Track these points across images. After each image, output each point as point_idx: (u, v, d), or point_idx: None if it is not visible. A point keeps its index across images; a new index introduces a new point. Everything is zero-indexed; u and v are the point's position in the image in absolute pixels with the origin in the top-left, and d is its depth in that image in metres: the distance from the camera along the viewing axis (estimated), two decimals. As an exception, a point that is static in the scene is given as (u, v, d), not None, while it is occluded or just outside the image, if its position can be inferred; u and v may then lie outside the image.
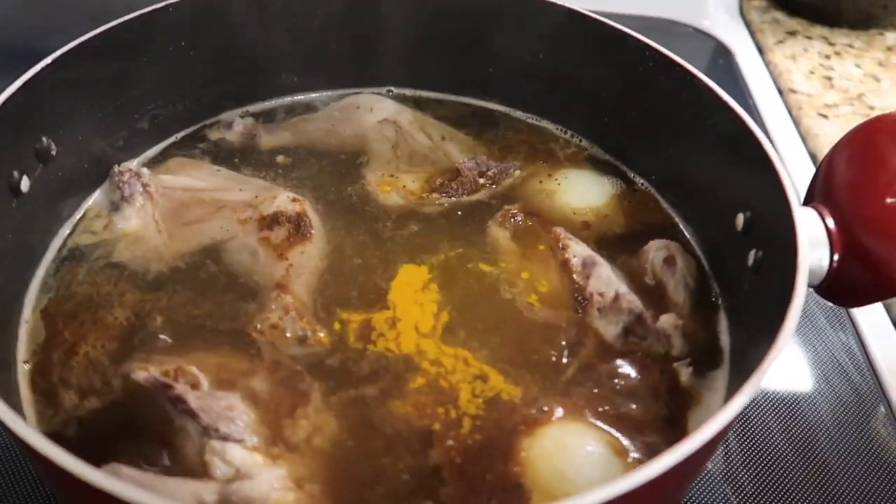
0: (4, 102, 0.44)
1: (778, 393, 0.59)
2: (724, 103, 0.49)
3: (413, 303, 0.50)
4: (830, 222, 0.44)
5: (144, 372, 0.41)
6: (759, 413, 0.58)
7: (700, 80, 0.52)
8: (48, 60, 0.48)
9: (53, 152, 0.50)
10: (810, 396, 0.59)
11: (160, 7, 0.55)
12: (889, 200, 0.43)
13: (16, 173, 0.47)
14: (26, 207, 0.48)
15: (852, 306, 0.61)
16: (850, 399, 0.59)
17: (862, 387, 0.60)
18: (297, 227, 0.54)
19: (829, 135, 0.84)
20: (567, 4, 0.98)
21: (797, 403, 0.59)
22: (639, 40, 0.56)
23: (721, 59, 1.00)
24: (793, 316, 0.36)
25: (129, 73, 0.55)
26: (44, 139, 0.49)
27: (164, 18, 0.55)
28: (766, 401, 0.59)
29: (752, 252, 0.46)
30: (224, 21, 0.59)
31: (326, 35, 0.65)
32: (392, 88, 0.69)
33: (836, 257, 0.43)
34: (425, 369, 0.46)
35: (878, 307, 0.66)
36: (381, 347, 0.47)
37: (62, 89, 0.49)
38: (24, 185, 0.47)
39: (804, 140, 0.86)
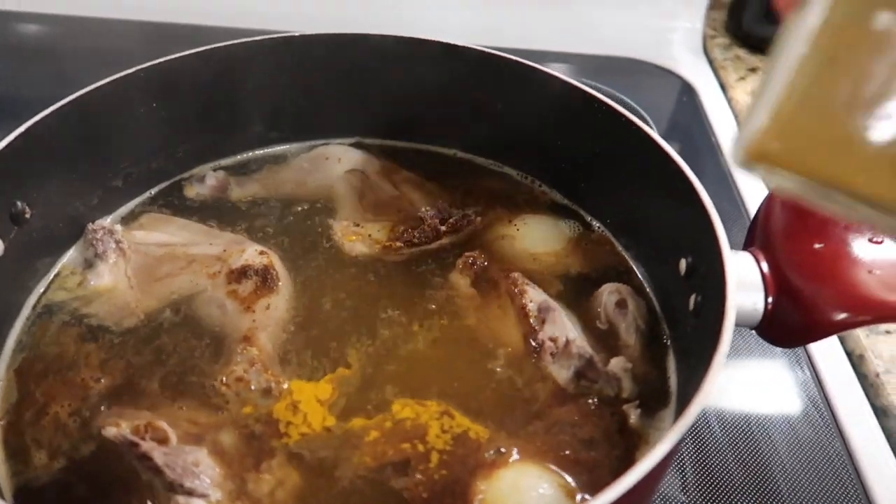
0: (-22, 173, 0.47)
1: (735, 425, 0.61)
2: (665, 153, 0.52)
3: (377, 352, 0.52)
4: (765, 266, 0.47)
5: (114, 428, 0.42)
6: (716, 445, 0.59)
7: (642, 131, 0.55)
8: (20, 130, 0.50)
9: (28, 215, 0.52)
10: (767, 430, 0.61)
11: (131, 72, 0.57)
12: (816, 246, 0.45)
13: (-10, 238, 0.49)
14: (2, 268, 0.50)
15: (789, 347, 0.63)
16: (806, 433, 0.61)
17: (818, 422, 0.62)
18: (264, 280, 0.56)
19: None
20: (544, 49, 1.02)
21: (753, 436, 0.60)
22: (587, 93, 0.59)
23: (685, 97, 1.04)
24: (718, 360, 0.38)
25: (102, 136, 0.57)
26: (18, 203, 0.51)
27: (135, 82, 0.58)
28: (723, 434, 0.60)
29: (693, 296, 0.48)
30: (194, 81, 0.62)
31: (295, 90, 0.67)
32: (360, 139, 0.72)
33: (770, 300, 0.46)
34: (390, 417, 0.48)
35: (833, 342, 0.68)
36: (343, 401, 0.49)
37: (35, 156, 0.52)
38: (0, 248, 0.50)
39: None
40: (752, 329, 0.47)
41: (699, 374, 0.40)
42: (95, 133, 0.57)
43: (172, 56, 0.59)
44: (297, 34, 0.64)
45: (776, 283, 0.46)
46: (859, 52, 0.21)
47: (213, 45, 0.61)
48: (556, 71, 0.61)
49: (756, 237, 0.50)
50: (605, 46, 1.10)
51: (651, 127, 0.55)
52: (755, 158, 0.24)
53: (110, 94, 0.56)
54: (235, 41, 0.62)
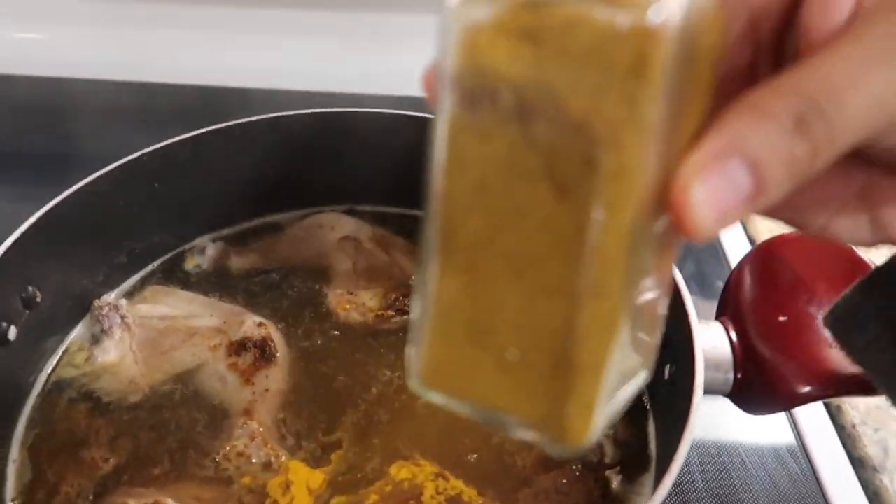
0: (-6, 264, 0.50)
1: (716, 475, 0.64)
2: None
3: (372, 420, 0.55)
4: (734, 336, 0.50)
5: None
6: (697, 497, 0.62)
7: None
8: (32, 220, 0.53)
9: (38, 298, 0.55)
10: (746, 480, 0.63)
11: (136, 157, 0.61)
12: (781, 318, 0.48)
13: (4, 324, 0.52)
14: (14, 352, 0.53)
15: (761, 414, 0.65)
16: (785, 483, 0.63)
17: (797, 472, 0.64)
18: (263, 352, 0.58)
19: (764, 219, 0.91)
20: None
21: (734, 486, 0.63)
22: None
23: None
24: (688, 433, 0.41)
25: (109, 218, 0.61)
26: (29, 288, 0.54)
27: (139, 166, 0.61)
28: (704, 485, 0.63)
29: (668, 366, 0.51)
30: (193, 161, 0.65)
31: (288, 163, 0.71)
32: (353, 205, 0.76)
33: (739, 370, 0.49)
34: (390, 480, 0.51)
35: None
36: (343, 468, 0.51)
37: (47, 241, 0.55)
38: (12, 333, 0.52)
39: (744, 225, 0.92)
40: (724, 396, 0.50)
41: (674, 442, 0.42)
42: (103, 216, 0.60)
43: (172, 140, 0.63)
44: (288, 113, 0.68)
45: (745, 354, 0.49)
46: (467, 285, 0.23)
47: (210, 128, 0.65)
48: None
49: (727, 306, 0.53)
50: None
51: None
52: (428, 387, 0.24)
53: (117, 179, 0.60)
54: (230, 123, 0.66)
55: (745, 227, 0.92)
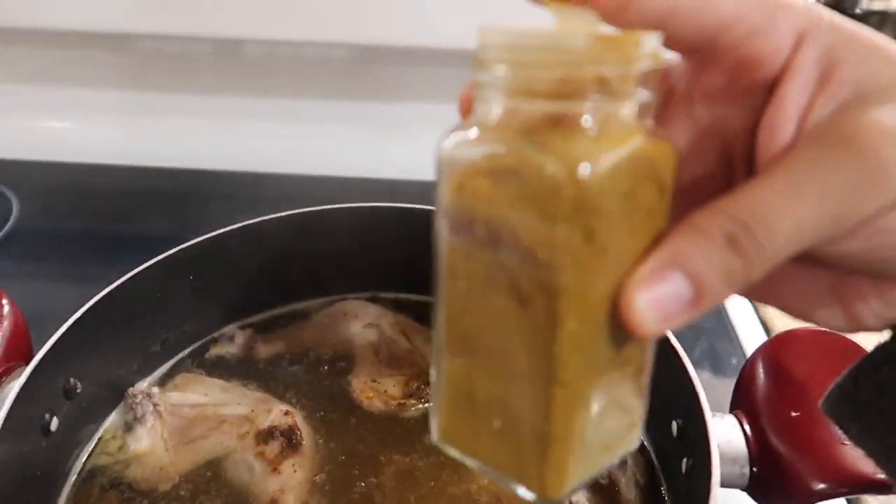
0: (42, 358, 0.53)
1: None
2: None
3: (393, 510, 0.56)
4: (749, 430, 0.51)
5: None
6: None
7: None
8: (77, 315, 0.56)
9: (78, 389, 0.58)
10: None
11: (173, 252, 0.65)
12: (794, 414, 0.50)
13: (47, 415, 0.54)
14: (54, 442, 0.55)
15: None
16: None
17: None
18: (289, 440, 0.60)
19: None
20: None
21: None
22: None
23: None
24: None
25: (147, 310, 0.64)
26: (71, 380, 0.57)
27: (176, 261, 0.65)
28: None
29: (685, 459, 0.53)
30: (226, 254, 0.69)
31: (315, 255, 0.74)
32: (376, 293, 0.79)
33: (755, 464, 0.50)
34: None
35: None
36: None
37: (88, 336, 0.58)
38: (54, 424, 0.55)
39: (756, 310, 0.94)
40: (742, 490, 0.51)
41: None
42: (141, 307, 0.63)
43: (208, 235, 0.67)
44: (311, 209, 0.72)
45: (759, 448, 0.50)
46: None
47: (240, 225, 0.69)
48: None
49: (741, 399, 0.54)
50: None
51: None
52: (444, 443, 0.29)
53: (155, 273, 0.63)
54: (259, 219, 0.70)
55: (756, 310, 0.94)
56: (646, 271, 0.24)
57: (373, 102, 1.21)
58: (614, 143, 0.24)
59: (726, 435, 0.50)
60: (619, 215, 0.24)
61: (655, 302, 0.24)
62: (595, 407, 0.26)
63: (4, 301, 0.58)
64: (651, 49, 0.25)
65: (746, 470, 0.50)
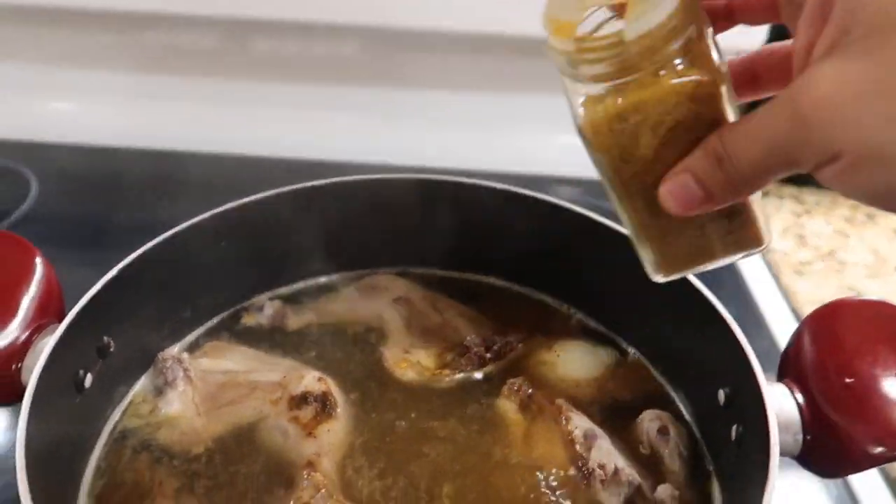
0: (77, 314, 0.52)
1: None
2: (700, 293, 0.56)
3: (430, 477, 0.55)
4: (800, 398, 0.50)
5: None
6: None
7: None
8: (112, 273, 0.56)
9: (112, 349, 0.57)
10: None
11: (207, 217, 0.64)
12: (847, 380, 0.49)
13: (81, 372, 0.53)
14: (87, 400, 0.54)
15: (830, 477, 0.65)
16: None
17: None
18: (324, 406, 0.59)
19: (804, 293, 0.92)
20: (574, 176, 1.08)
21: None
22: (615, 231, 0.64)
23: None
24: (768, 494, 0.41)
25: (179, 274, 0.63)
26: (105, 338, 0.56)
27: (210, 225, 0.64)
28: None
29: (735, 427, 0.51)
30: (258, 222, 0.68)
31: (346, 227, 0.73)
32: (405, 268, 0.78)
33: (808, 431, 0.49)
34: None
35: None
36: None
37: (122, 295, 0.57)
38: (88, 381, 0.54)
39: (785, 297, 0.93)
40: (792, 458, 0.50)
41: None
42: (174, 272, 0.62)
43: (242, 201, 0.66)
44: (347, 179, 0.71)
45: (812, 416, 0.49)
46: None
47: (276, 191, 0.68)
48: (567, 194, 0.67)
49: (788, 369, 0.53)
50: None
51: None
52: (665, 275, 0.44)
53: (189, 237, 0.62)
54: (297, 186, 0.69)
55: (785, 296, 0.93)
56: (673, 170, 0.36)
57: (386, 89, 1.20)
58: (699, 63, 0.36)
59: (778, 403, 0.49)
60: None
61: (672, 192, 0.36)
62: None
63: (38, 259, 0.57)
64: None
65: (799, 437, 0.49)
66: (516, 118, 1.18)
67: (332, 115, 1.18)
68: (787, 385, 0.51)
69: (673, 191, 0.36)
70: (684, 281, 0.59)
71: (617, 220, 0.69)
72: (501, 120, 1.18)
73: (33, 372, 0.48)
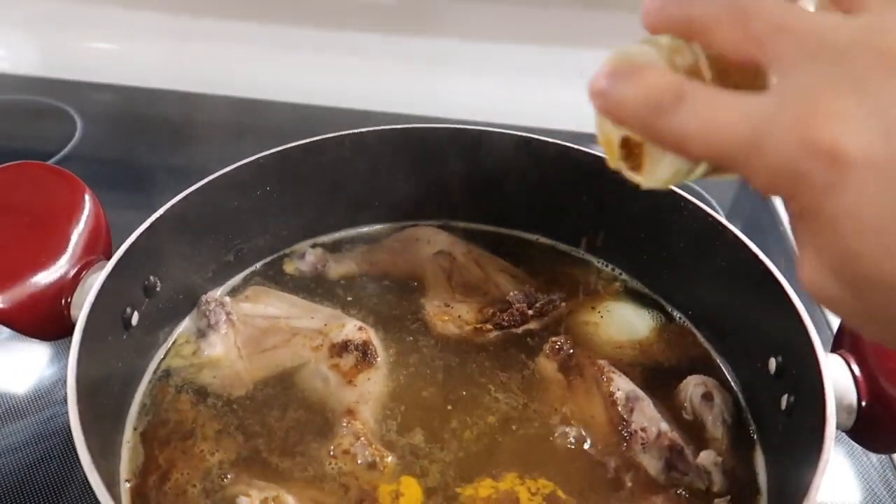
0: (126, 250, 0.52)
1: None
2: (756, 256, 0.54)
3: (470, 432, 0.55)
4: (857, 370, 0.48)
5: (247, 498, 0.46)
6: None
7: (729, 231, 0.57)
8: (159, 213, 0.56)
9: (158, 288, 0.57)
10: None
11: (253, 159, 0.63)
12: (908, 354, 0.47)
13: (129, 309, 0.54)
14: (134, 337, 0.55)
15: (884, 452, 0.63)
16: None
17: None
18: (364, 355, 0.59)
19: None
20: (579, 128, 1.06)
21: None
22: (674, 192, 0.62)
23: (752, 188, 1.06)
24: (822, 467, 0.40)
25: (224, 217, 0.63)
26: (151, 277, 0.57)
27: (255, 169, 0.63)
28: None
29: (785, 396, 0.50)
30: (304, 167, 0.67)
31: (390, 176, 0.72)
32: (447, 221, 0.76)
33: (863, 404, 0.47)
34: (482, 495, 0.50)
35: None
36: (437, 476, 0.51)
37: (168, 235, 0.57)
38: (135, 319, 0.54)
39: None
40: (844, 432, 0.48)
41: (799, 478, 0.41)
42: (219, 214, 0.62)
43: (283, 147, 0.65)
44: (390, 128, 0.70)
45: (868, 389, 0.47)
46: None
47: (315, 138, 0.67)
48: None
49: (845, 340, 0.51)
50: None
51: (718, 212, 0.58)
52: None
53: (234, 179, 0.62)
54: (340, 133, 0.68)
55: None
56: None
57: (431, 38, 1.18)
58: None
59: (833, 374, 0.48)
60: None
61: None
62: None
63: (87, 195, 0.58)
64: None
65: (854, 411, 0.47)
66: (568, 71, 1.15)
67: (379, 63, 1.16)
68: (842, 356, 0.49)
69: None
70: (738, 245, 0.57)
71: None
72: (553, 73, 1.15)
73: (83, 308, 0.48)
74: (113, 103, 1.16)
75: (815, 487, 0.39)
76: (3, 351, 0.72)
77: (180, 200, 0.58)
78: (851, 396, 0.47)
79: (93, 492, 0.38)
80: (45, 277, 0.52)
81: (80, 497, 0.59)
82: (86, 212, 0.56)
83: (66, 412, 0.42)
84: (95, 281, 0.51)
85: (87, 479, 0.38)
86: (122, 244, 0.54)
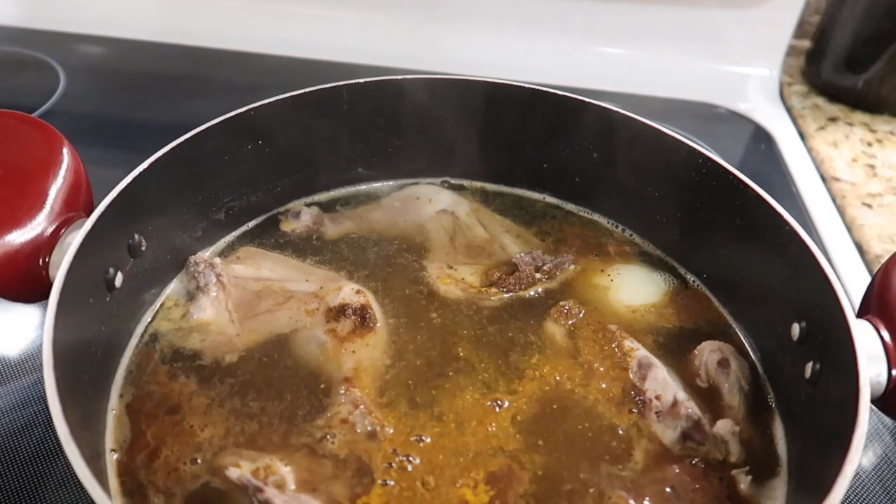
0: (107, 206, 0.48)
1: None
2: (779, 215, 0.51)
3: (474, 398, 0.52)
4: (886, 336, 0.46)
5: (238, 470, 0.43)
6: None
7: (753, 190, 0.54)
8: (143, 167, 0.52)
9: (143, 247, 0.54)
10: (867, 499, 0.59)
11: (241, 112, 0.59)
12: (944, 320, 0.44)
13: (111, 270, 0.50)
14: (118, 300, 0.51)
15: None
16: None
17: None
18: (363, 319, 0.56)
19: (873, 226, 0.85)
20: (618, 90, 1.02)
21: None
22: (692, 148, 0.58)
23: (763, 145, 1.03)
24: (858, 440, 0.37)
25: (211, 172, 0.59)
26: (136, 236, 0.53)
27: (245, 121, 0.59)
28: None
29: (810, 364, 0.47)
30: (296, 121, 0.63)
31: (387, 133, 0.68)
32: (448, 179, 0.73)
33: (893, 373, 0.44)
34: (491, 462, 0.48)
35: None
36: (439, 442, 0.49)
37: (154, 190, 0.53)
38: (118, 280, 0.51)
39: (849, 230, 0.87)
40: (871, 402, 0.45)
41: (827, 450, 0.39)
42: (206, 169, 0.58)
43: (276, 98, 0.61)
44: (390, 78, 0.66)
45: (900, 356, 0.44)
46: None
47: (311, 88, 0.63)
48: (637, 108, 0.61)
49: (873, 306, 0.49)
50: (679, 90, 1.09)
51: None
52: None
53: (221, 133, 0.58)
54: (331, 84, 0.64)
55: (850, 232, 0.87)
56: None
57: None
58: None
59: (862, 341, 0.45)
60: None
61: None
62: None
63: (65, 148, 0.54)
64: None
65: (883, 379, 0.44)
66: (591, 28, 1.10)
67: (372, 17, 1.11)
68: (871, 322, 0.47)
69: None
70: (760, 202, 0.53)
71: (686, 137, 0.64)
72: (566, 29, 1.10)
73: (61, 267, 0.45)
74: (98, 56, 1.12)
75: (850, 462, 0.36)
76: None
77: (167, 153, 0.54)
78: (881, 363, 0.44)
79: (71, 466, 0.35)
80: (21, 235, 0.49)
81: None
82: (64, 165, 0.52)
83: (46, 379, 0.39)
84: (75, 239, 0.47)
85: (63, 451, 0.35)
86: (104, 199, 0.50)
